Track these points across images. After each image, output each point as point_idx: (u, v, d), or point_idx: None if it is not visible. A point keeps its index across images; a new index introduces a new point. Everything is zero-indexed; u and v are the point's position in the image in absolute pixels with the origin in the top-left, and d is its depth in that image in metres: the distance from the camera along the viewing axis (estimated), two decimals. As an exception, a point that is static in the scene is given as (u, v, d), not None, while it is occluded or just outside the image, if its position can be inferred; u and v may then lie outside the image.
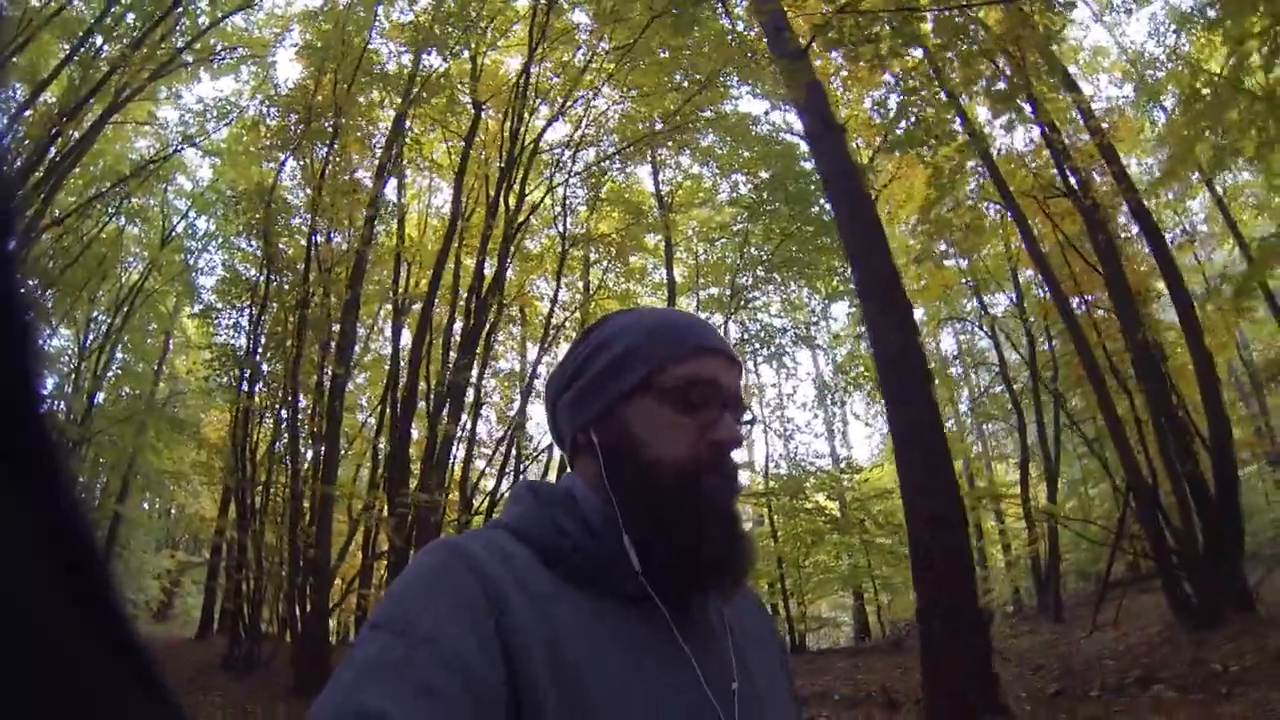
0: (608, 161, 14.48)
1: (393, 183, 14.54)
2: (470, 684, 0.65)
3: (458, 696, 0.64)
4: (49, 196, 12.51)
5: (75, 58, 12.83)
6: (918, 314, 21.45)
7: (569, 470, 0.93)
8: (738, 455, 0.91)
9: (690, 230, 17.96)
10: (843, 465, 18.26)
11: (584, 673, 0.72)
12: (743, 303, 16.65)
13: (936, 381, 20.49)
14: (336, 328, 11.65)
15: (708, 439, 0.84)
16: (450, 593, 0.72)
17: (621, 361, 0.87)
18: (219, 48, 15.67)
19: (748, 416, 0.91)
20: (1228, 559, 8.48)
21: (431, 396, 11.67)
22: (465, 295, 12.02)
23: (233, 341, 13.36)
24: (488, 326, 11.78)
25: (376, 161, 13.73)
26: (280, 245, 12.83)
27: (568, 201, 14.55)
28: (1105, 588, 11.01)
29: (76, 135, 12.39)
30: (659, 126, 14.39)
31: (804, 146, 11.96)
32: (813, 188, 14.16)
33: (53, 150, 12.30)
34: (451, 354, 11.91)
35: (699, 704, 0.78)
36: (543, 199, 13.76)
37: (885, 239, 7.82)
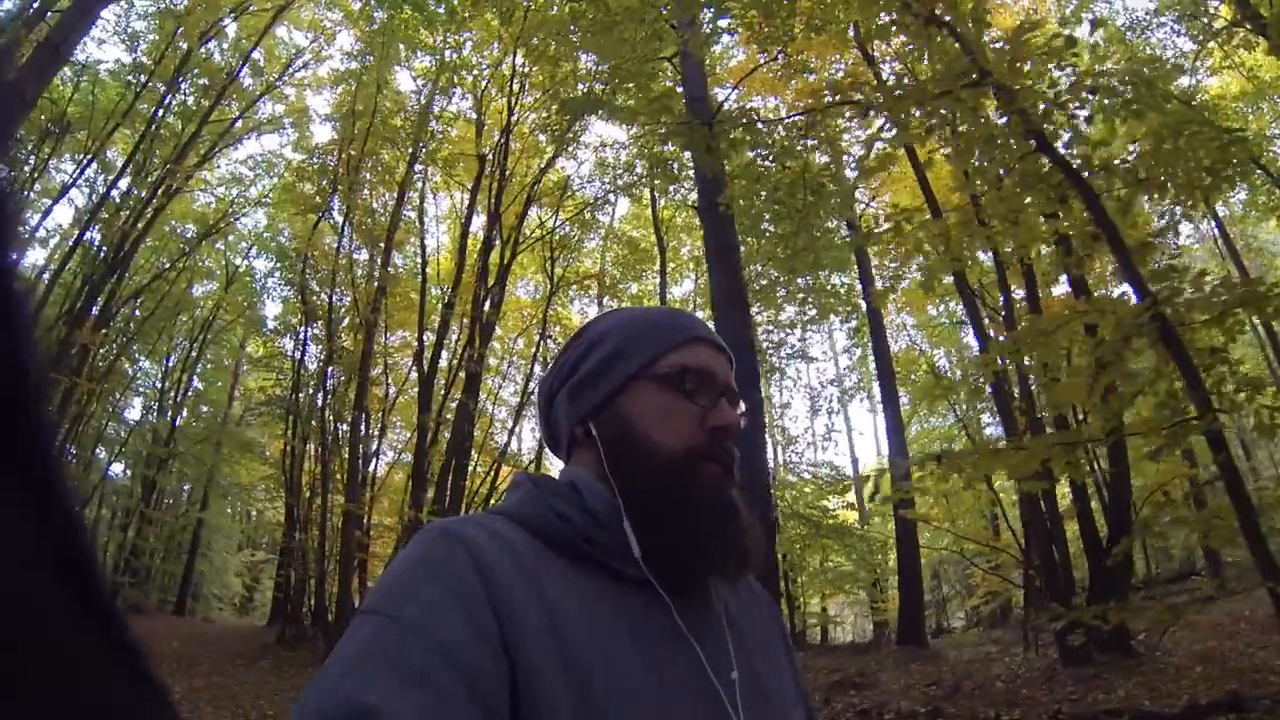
0: (595, 203, 17.38)
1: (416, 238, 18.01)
2: (463, 671, 0.68)
3: (450, 684, 0.67)
4: (122, 274, 16.49)
5: (140, 146, 16.74)
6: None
7: (567, 467, 0.98)
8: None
9: (689, 254, 20.45)
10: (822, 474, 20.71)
11: (588, 658, 0.75)
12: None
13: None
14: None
15: (706, 425, 0.90)
16: (444, 578, 0.74)
17: (619, 353, 0.94)
18: (263, 114, 19.50)
19: (742, 407, 0.97)
20: (1111, 599, 9.68)
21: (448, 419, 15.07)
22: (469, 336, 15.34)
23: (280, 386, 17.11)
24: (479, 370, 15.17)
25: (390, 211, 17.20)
26: (315, 299, 16.56)
27: (565, 241, 17.59)
28: (1027, 612, 12.25)
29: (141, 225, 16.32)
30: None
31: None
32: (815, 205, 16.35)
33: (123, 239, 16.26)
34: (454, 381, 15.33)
35: (703, 691, 0.81)
36: (511, 259, 16.66)
37: (746, 303, 10.46)
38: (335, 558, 14.28)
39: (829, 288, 17.62)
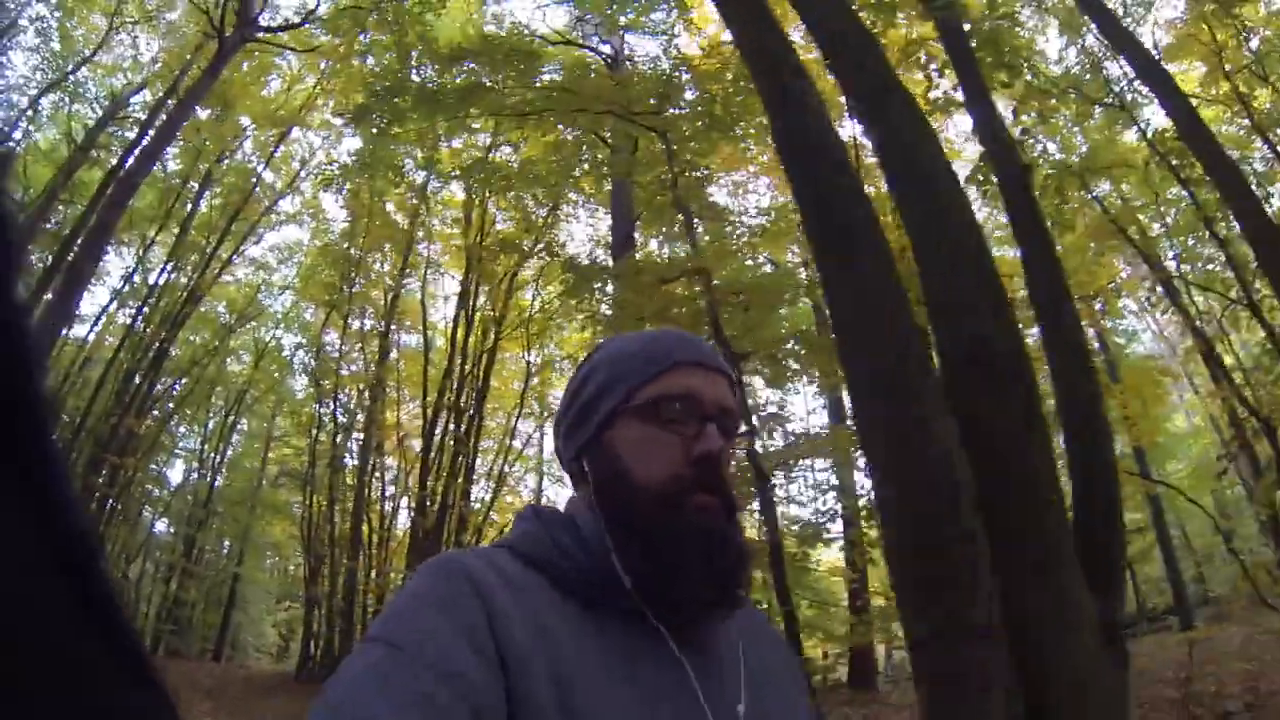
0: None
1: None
2: (465, 692, 0.73)
3: (450, 704, 0.72)
4: (163, 359, 20.09)
5: (177, 247, 20.40)
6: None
7: (572, 497, 1.04)
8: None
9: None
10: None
11: (583, 692, 0.80)
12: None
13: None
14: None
15: (690, 454, 0.94)
16: (447, 607, 0.81)
17: (604, 387, 1.00)
18: (283, 208, 23.06)
19: (743, 428, 1.02)
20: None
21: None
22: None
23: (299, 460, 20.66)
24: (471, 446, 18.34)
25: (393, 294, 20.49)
26: (328, 382, 20.04)
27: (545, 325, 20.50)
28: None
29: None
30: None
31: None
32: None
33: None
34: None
35: None
36: (495, 345, 19.64)
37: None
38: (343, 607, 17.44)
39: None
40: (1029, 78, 12.59)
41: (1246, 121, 12.52)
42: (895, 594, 3.24)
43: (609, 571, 0.90)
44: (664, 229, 11.43)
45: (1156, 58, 12.76)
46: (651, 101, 8.88)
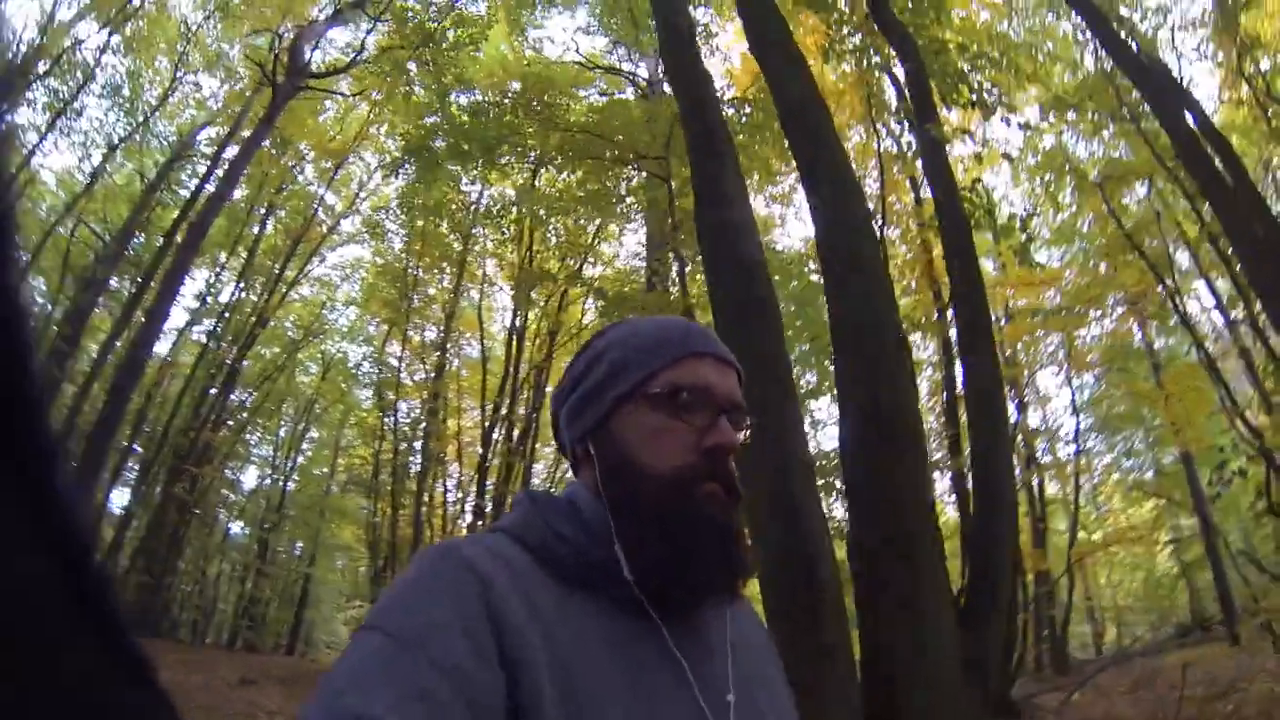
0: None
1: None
2: (463, 687, 0.73)
3: (449, 699, 0.72)
4: (234, 375, 21.56)
5: (245, 269, 21.84)
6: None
7: (572, 481, 1.04)
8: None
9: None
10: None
11: (580, 674, 0.82)
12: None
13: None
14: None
15: (703, 445, 0.95)
16: (445, 595, 0.81)
17: (615, 371, 1.00)
18: (343, 230, 24.33)
19: (746, 421, 1.01)
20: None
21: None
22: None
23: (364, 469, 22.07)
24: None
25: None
26: (389, 396, 21.32)
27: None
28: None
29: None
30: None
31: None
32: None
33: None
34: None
35: (692, 713, 0.87)
36: (548, 357, 20.46)
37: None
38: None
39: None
40: (1043, 87, 12.90)
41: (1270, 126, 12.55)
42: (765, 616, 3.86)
43: (610, 559, 0.91)
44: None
45: (1177, 58, 12.88)
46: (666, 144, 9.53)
